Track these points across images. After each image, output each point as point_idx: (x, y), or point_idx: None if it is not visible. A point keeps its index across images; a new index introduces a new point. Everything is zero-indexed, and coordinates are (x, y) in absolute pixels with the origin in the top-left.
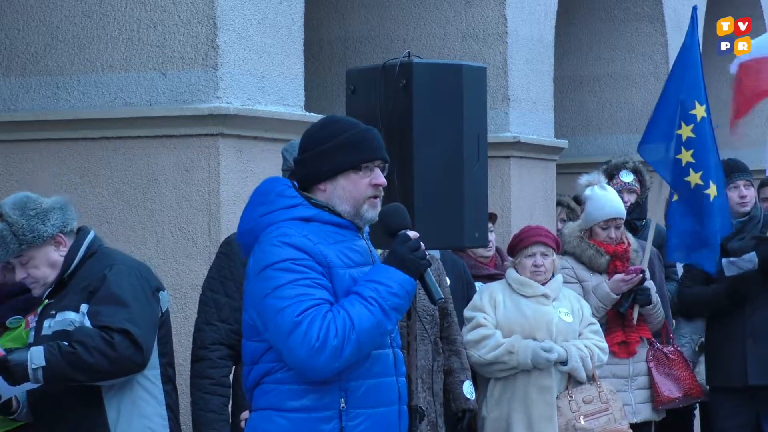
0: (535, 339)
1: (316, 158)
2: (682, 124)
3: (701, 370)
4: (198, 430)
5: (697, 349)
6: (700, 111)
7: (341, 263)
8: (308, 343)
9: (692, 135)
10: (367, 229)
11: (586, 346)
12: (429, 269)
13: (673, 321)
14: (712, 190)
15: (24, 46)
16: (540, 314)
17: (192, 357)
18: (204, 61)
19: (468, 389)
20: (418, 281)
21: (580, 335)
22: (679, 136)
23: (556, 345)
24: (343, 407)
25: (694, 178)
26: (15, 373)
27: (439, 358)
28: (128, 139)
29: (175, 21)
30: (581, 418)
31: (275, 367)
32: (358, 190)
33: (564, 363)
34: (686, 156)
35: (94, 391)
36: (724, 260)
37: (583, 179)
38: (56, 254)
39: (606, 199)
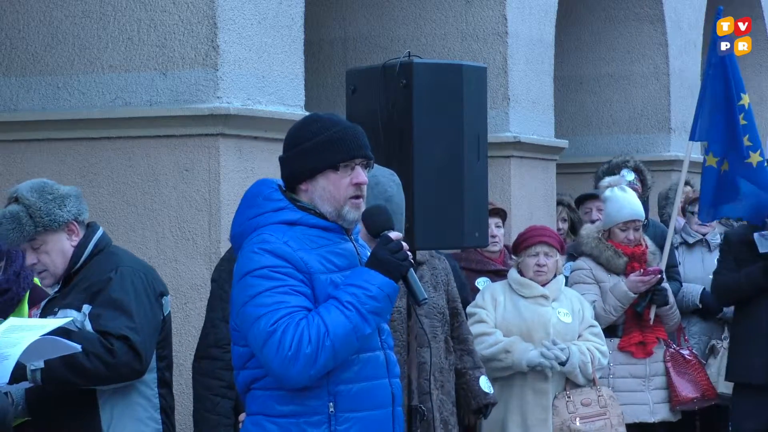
0: (533, 340)
1: (296, 158)
2: (740, 118)
3: (712, 372)
4: (200, 430)
5: (707, 351)
6: (745, 99)
7: (323, 268)
8: (281, 353)
9: (745, 122)
10: (357, 228)
11: (588, 349)
12: (412, 270)
13: None
14: None
15: (24, 46)
16: (538, 315)
17: (200, 353)
18: (204, 60)
19: (485, 383)
20: (401, 282)
21: (579, 336)
22: (741, 127)
23: (556, 350)
24: (332, 411)
25: (755, 157)
26: (13, 372)
27: (450, 357)
28: (128, 139)
29: (175, 21)
30: (577, 419)
31: (261, 373)
32: (338, 190)
33: (562, 363)
34: (745, 141)
35: (89, 393)
36: (755, 234)
37: (605, 181)
38: (68, 243)
39: (625, 200)
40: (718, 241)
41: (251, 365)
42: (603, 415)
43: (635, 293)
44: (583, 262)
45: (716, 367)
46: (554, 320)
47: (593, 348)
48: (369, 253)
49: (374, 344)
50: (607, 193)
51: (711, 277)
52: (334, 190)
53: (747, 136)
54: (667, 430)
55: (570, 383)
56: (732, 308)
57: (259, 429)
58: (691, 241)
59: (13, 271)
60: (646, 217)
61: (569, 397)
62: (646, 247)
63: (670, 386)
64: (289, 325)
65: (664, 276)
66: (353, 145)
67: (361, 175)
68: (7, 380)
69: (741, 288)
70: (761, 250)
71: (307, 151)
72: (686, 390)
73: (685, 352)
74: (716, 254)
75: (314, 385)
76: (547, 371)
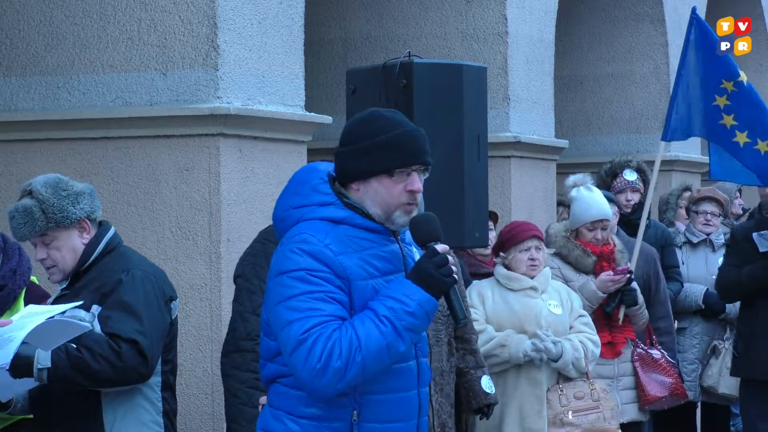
0: (525, 333)
1: (351, 156)
2: (716, 97)
3: (713, 373)
4: (238, 425)
5: (708, 351)
6: (728, 85)
7: (364, 273)
8: (310, 364)
9: (728, 103)
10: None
11: (580, 342)
12: (455, 286)
13: (675, 321)
14: (762, 146)
15: (24, 46)
16: (528, 307)
17: (231, 347)
18: (204, 61)
19: (486, 383)
20: (441, 298)
21: (571, 328)
22: (717, 106)
23: (549, 343)
24: (355, 420)
25: (741, 137)
26: (19, 366)
27: (451, 359)
28: (128, 139)
29: (175, 21)
30: (570, 412)
31: (288, 371)
32: (391, 196)
33: (555, 360)
34: (729, 120)
35: (93, 394)
36: (755, 234)
37: (570, 180)
38: (79, 240)
39: (592, 200)
40: (722, 241)
41: (280, 361)
42: (596, 408)
43: (604, 293)
44: (551, 261)
45: (718, 368)
46: (545, 312)
47: (585, 340)
48: (414, 253)
49: (408, 354)
50: (573, 192)
51: (714, 277)
52: (386, 195)
53: (732, 115)
54: (636, 429)
55: (563, 376)
56: (736, 309)
57: (281, 425)
58: (695, 240)
59: (9, 268)
60: (648, 217)
61: (562, 390)
62: (615, 245)
63: (638, 386)
64: (320, 336)
65: (633, 276)
66: (412, 150)
67: (416, 182)
68: (8, 361)
69: (743, 285)
70: (761, 249)
71: (364, 150)
72: (655, 389)
73: (655, 352)
74: (720, 254)
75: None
76: (536, 362)
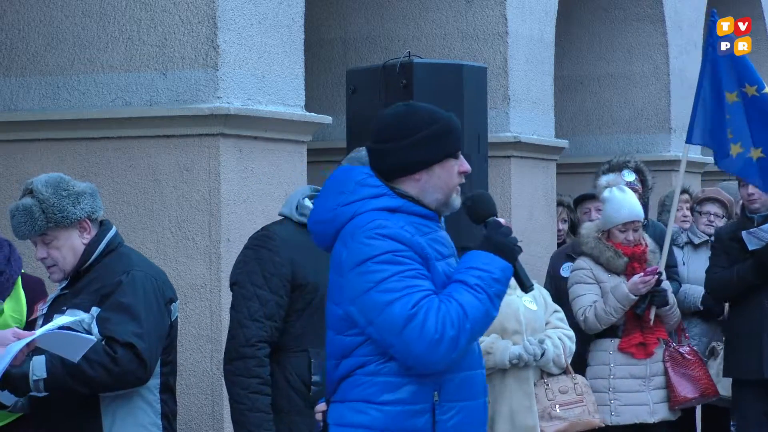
0: (505, 330)
1: (408, 149)
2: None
3: (712, 374)
4: (247, 430)
5: (707, 352)
6: (730, 97)
7: (435, 255)
8: (426, 336)
9: (728, 116)
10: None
11: (559, 338)
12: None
13: None
14: (755, 153)
15: (24, 45)
16: (506, 304)
17: (232, 354)
18: (204, 61)
19: None
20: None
21: (547, 324)
22: (724, 117)
23: (537, 345)
24: (436, 400)
25: (735, 149)
26: (17, 386)
27: None
28: (128, 139)
29: (175, 21)
30: (557, 406)
31: (369, 360)
32: (451, 179)
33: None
34: (728, 134)
35: (91, 397)
36: (743, 233)
37: (603, 180)
38: (79, 240)
39: (625, 201)
40: None
41: (359, 353)
42: (580, 402)
43: (636, 295)
44: (583, 262)
45: (716, 369)
46: (522, 309)
47: (563, 336)
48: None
49: None
50: (606, 193)
51: None
52: (448, 178)
53: (729, 129)
54: (666, 428)
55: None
56: None
57: (363, 416)
58: (696, 241)
59: (3, 256)
60: (646, 218)
61: (547, 385)
62: (646, 246)
63: (668, 386)
64: (430, 308)
65: (663, 276)
66: (460, 134)
67: (466, 163)
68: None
69: (733, 285)
70: (750, 247)
71: (424, 140)
72: (685, 390)
73: (685, 349)
74: None
75: (424, 374)
76: (528, 362)
